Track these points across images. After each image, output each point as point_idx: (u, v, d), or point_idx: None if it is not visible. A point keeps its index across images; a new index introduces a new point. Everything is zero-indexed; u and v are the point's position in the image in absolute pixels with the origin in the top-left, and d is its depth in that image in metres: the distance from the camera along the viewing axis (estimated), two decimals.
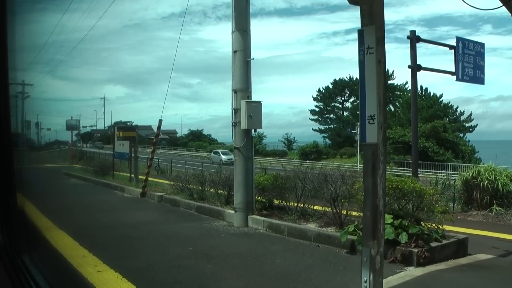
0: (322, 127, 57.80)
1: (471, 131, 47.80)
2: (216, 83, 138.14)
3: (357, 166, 39.11)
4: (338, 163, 39.92)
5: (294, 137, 55.03)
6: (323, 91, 58.17)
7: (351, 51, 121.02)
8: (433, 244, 5.99)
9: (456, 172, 31.50)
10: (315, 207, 8.09)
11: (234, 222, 8.08)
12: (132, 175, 13.95)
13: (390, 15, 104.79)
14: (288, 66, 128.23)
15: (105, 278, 4.96)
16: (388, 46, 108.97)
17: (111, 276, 5.01)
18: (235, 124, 8.04)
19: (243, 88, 7.98)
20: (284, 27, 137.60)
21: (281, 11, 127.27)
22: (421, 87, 51.59)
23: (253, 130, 8.18)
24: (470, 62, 15.56)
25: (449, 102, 47.40)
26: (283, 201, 8.61)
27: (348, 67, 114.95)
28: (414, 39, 19.43)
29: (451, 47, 15.73)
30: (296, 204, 8.07)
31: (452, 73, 15.62)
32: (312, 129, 58.06)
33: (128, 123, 14.19)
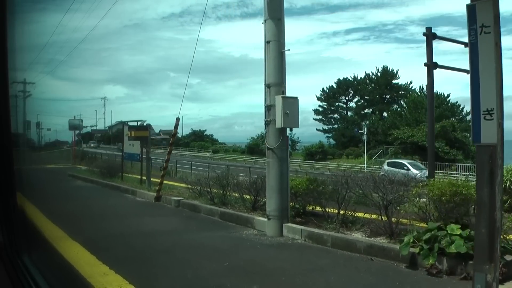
0: (326, 127, 57.12)
1: None
2: (216, 83, 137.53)
3: (364, 166, 38.43)
4: (345, 164, 39.19)
5: (298, 137, 54.28)
6: (327, 90, 57.47)
7: (351, 51, 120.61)
8: (508, 257, 5.23)
9: (469, 173, 30.85)
10: (357, 214, 7.31)
11: (266, 231, 7.29)
12: (144, 177, 13.13)
13: (390, 15, 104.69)
14: (288, 66, 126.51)
15: None
16: (388, 46, 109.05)
17: None
18: (268, 123, 7.25)
19: (277, 82, 7.19)
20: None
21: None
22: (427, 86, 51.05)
23: (288, 129, 7.36)
24: None
25: (457, 102, 46.77)
26: (318, 207, 7.84)
27: (348, 67, 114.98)
28: (430, 36, 18.66)
29: (466, 44, 15.13)
30: (336, 211, 7.28)
31: (467, 72, 15.07)
32: (316, 129, 57.39)
33: (139, 122, 13.38)
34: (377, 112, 54.35)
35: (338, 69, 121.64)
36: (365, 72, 56.17)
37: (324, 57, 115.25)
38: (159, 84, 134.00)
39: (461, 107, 46.00)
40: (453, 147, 34.78)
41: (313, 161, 41.53)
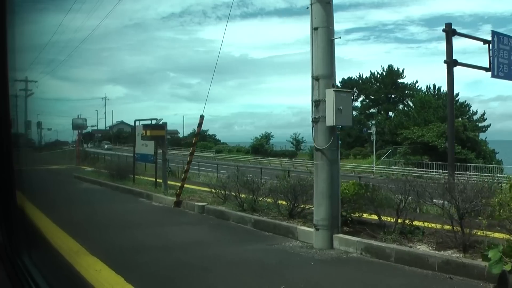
0: None
1: (484, 131, 46.53)
2: (216, 83, 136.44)
3: (373, 167, 37.62)
4: (353, 164, 38.38)
5: (303, 137, 53.46)
6: None
7: (351, 51, 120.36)
8: None
9: (481, 174, 30.09)
10: (415, 223, 6.47)
11: (313, 243, 6.43)
12: (159, 180, 12.24)
13: (390, 15, 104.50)
14: (288, 66, 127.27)
15: None
16: (388, 46, 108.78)
17: None
18: (316, 120, 6.39)
19: (327, 74, 6.33)
20: (284, 27, 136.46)
21: (281, 11, 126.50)
22: (434, 85, 50.34)
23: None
24: (505, 58, 14.02)
25: (465, 101, 46.12)
26: (364, 215, 7.01)
27: (348, 67, 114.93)
28: (450, 32, 17.83)
29: (485, 41, 14.28)
30: (390, 219, 6.43)
31: (486, 69, 14.21)
32: None
33: (153, 121, 12.46)
34: (382, 112, 53.63)
35: (338, 69, 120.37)
36: (370, 72, 55.50)
37: None
38: (159, 84, 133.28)
39: (468, 107, 45.42)
40: (465, 147, 34.01)
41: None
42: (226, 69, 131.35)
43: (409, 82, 54.73)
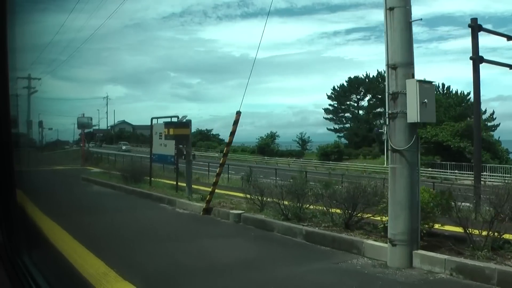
0: (337, 126, 55.36)
1: (493, 130, 45.66)
2: (216, 83, 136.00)
3: (385, 167, 36.67)
4: (364, 164, 37.45)
5: (309, 137, 52.50)
6: (338, 89, 55.78)
7: (352, 51, 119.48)
8: None
9: (497, 174, 29.16)
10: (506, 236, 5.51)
11: (388, 261, 5.45)
12: (181, 184, 11.21)
13: None
14: (288, 66, 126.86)
15: None
16: None
17: None
18: (393, 116, 5.43)
19: (406, 62, 5.36)
20: (284, 27, 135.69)
21: (282, 11, 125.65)
22: (443, 84, 49.47)
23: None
24: None
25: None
26: (435, 225, 6.06)
27: (348, 67, 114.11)
28: (476, 28, 16.88)
29: (510, 38, 13.45)
30: (481, 232, 5.47)
31: (511, 67, 13.39)
32: (327, 128, 55.69)
33: (173, 118, 11.41)
34: None
35: (338, 69, 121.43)
36: (377, 70, 54.54)
37: (324, 57, 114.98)
38: (160, 84, 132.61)
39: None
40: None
41: (329, 162, 39.81)
42: (227, 69, 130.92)
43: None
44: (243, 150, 51.64)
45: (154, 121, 12.46)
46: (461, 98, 42.42)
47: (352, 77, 55.59)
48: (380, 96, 53.95)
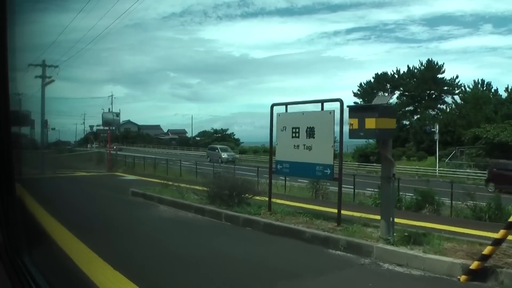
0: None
1: None
2: (216, 83, 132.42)
3: (436, 170, 32.74)
4: (417, 167, 33.54)
5: (335, 137, 48.37)
6: (365, 86, 52.05)
7: (352, 51, 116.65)
8: None
9: None
10: None
11: None
12: (353, 213, 6.89)
13: (390, 15, 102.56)
14: (288, 66, 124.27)
15: None
16: (389, 46, 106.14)
17: None
18: None
19: None
20: (284, 27, 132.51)
21: (282, 11, 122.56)
22: (482, 80, 45.99)
23: None
24: None
25: None
26: None
27: (348, 67, 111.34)
28: None
29: None
30: None
31: None
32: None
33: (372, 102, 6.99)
34: (421, 109, 49.17)
35: (338, 69, 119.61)
36: (407, 66, 51.05)
37: (324, 57, 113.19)
38: (159, 84, 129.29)
39: None
40: None
41: (369, 164, 35.89)
42: (226, 69, 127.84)
43: (448, 78, 50.42)
44: (265, 151, 47.48)
45: (279, 109, 8.10)
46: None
47: (379, 73, 51.98)
48: (409, 93, 50.36)
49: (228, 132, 57.24)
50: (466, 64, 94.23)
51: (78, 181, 18.76)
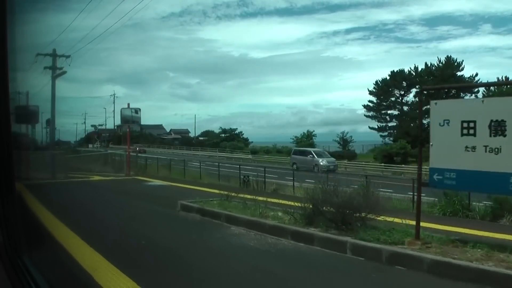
0: (380, 125, 49.53)
1: None
2: (215, 83, 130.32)
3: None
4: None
5: (351, 136, 46.44)
6: (380, 84, 49.98)
7: (351, 51, 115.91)
8: None
9: None
10: None
11: None
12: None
13: (390, 15, 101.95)
14: (287, 66, 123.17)
15: None
16: (388, 46, 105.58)
17: None
18: None
19: None
20: (284, 27, 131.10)
21: (281, 11, 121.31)
22: (506, 77, 44.17)
23: None
24: None
25: None
26: None
27: (347, 67, 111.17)
28: None
29: None
30: None
31: None
32: (369, 127, 49.87)
33: None
34: None
35: (337, 69, 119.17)
36: (425, 63, 49.12)
37: (324, 57, 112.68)
38: (159, 84, 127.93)
39: None
40: None
41: (395, 165, 33.80)
42: (226, 69, 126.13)
43: (467, 76, 48.58)
44: (278, 151, 45.22)
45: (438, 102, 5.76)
46: None
47: (395, 70, 49.99)
48: (431, 92, 48.37)
49: (237, 131, 54.72)
50: (466, 64, 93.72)
51: (96, 187, 16.24)
